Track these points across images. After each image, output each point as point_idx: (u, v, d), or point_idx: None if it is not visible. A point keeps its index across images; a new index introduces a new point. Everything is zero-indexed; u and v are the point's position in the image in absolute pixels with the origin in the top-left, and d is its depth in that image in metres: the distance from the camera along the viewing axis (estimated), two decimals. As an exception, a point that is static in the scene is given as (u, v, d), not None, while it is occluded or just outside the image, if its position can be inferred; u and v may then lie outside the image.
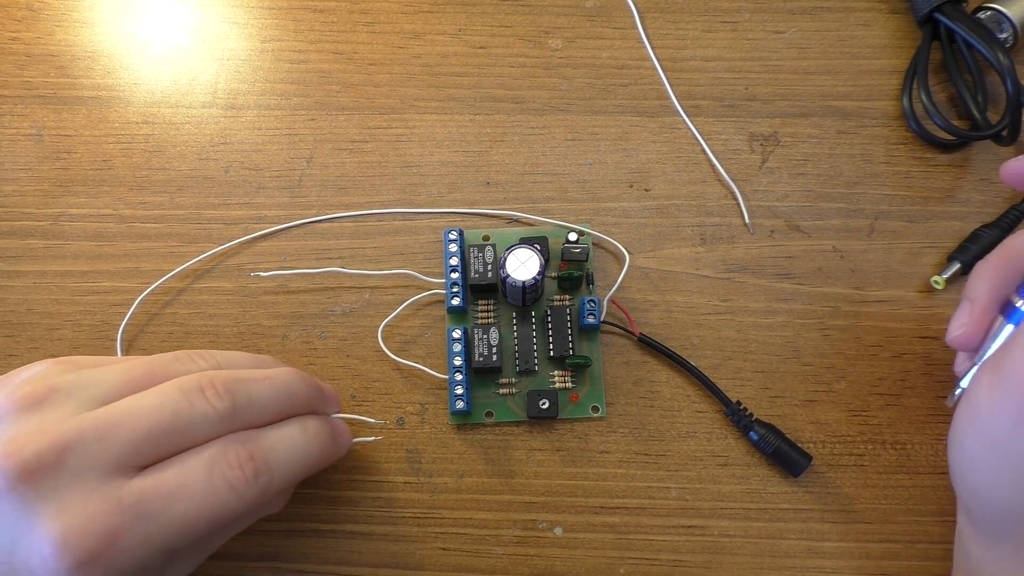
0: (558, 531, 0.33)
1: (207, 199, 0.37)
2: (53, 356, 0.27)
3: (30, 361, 0.27)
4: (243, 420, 0.26)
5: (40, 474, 0.23)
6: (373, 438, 0.33)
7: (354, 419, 0.33)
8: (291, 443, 0.27)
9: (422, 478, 0.33)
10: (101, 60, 0.39)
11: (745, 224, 0.37)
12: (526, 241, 0.34)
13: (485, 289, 0.35)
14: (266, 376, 0.27)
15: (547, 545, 0.33)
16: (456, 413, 0.33)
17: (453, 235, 0.35)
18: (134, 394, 0.25)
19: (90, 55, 0.39)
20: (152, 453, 0.25)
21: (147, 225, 0.37)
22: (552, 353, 0.34)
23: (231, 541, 0.29)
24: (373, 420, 0.34)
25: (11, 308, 0.35)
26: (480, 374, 0.34)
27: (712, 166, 0.38)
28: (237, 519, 0.27)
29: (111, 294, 0.36)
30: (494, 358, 0.33)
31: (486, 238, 0.36)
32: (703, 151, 0.38)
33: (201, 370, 0.27)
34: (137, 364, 0.27)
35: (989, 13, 0.37)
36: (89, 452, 0.24)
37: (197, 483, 0.25)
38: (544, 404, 0.33)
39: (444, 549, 0.33)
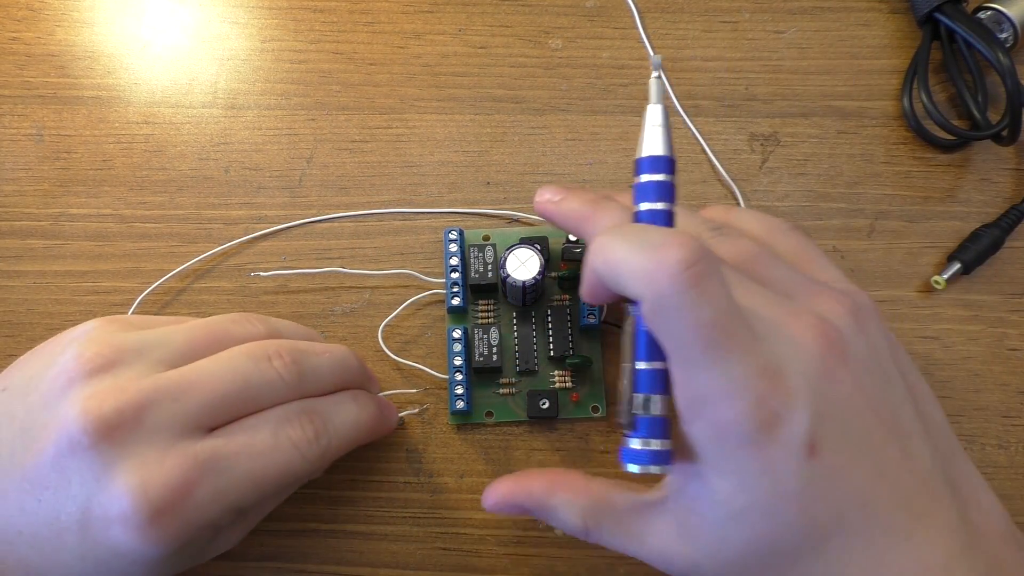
0: (558, 531, 0.33)
1: (207, 199, 0.37)
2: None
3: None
4: (305, 389, 0.28)
5: (121, 430, 0.24)
6: (419, 407, 0.34)
7: (396, 393, 0.34)
8: (346, 411, 0.29)
9: (422, 478, 0.33)
10: (101, 60, 0.39)
11: (745, 224, 0.37)
12: (526, 241, 0.34)
13: (485, 289, 0.35)
14: (327, 350, 0.29)
15: (547, 545, 0.33)
16: (456, 413, 0.33)
17: (453, 235, 0.35)
18: (203, 359, 0.26)
19: (90, 55, 0.39)
20: (222, 415, 0.26)
21: (147, 225, 0.37)
22: (552, 353, 0.34)
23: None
24: (415, 390, 0.34)
25: (11, 308, 0.35)
26: (480, 374, 0.34)
27: (712, 166, 0.38)
28: (297, 480, 0.28)
29: (111, 294, 0.36)
30: (494, 358, 0.33)
31: (486, 238, 0.36)
32: (703, 151, 0.38)
33: (259, 333, 0.29)
34: (197, 326, 0.28)
35: (989, 13, 0.38)
36: (166, 411, 0.25)
37: (264, 442, 0.26)
38: (544, 404, 0.33)
39: (444, 549, 0.33)
